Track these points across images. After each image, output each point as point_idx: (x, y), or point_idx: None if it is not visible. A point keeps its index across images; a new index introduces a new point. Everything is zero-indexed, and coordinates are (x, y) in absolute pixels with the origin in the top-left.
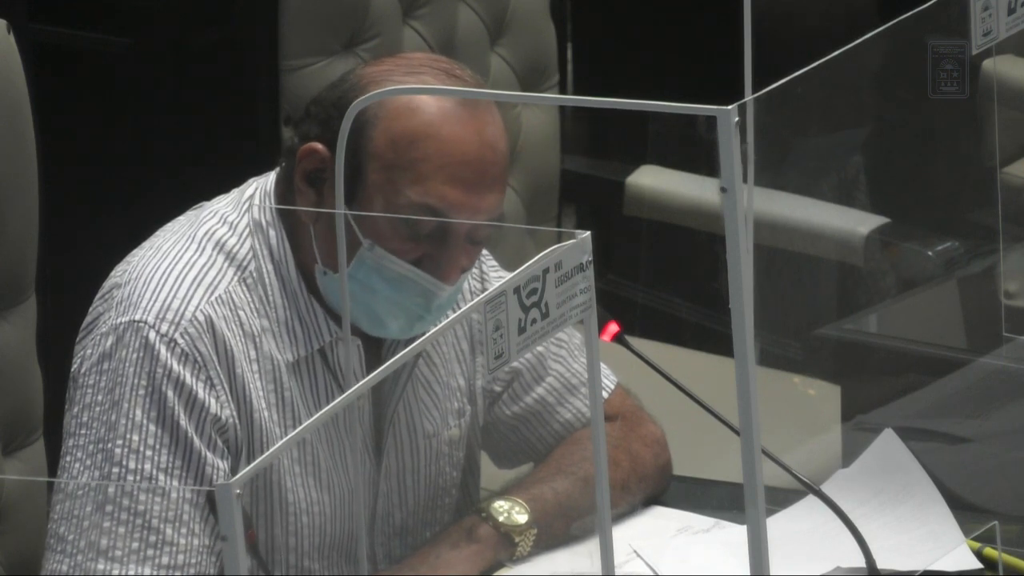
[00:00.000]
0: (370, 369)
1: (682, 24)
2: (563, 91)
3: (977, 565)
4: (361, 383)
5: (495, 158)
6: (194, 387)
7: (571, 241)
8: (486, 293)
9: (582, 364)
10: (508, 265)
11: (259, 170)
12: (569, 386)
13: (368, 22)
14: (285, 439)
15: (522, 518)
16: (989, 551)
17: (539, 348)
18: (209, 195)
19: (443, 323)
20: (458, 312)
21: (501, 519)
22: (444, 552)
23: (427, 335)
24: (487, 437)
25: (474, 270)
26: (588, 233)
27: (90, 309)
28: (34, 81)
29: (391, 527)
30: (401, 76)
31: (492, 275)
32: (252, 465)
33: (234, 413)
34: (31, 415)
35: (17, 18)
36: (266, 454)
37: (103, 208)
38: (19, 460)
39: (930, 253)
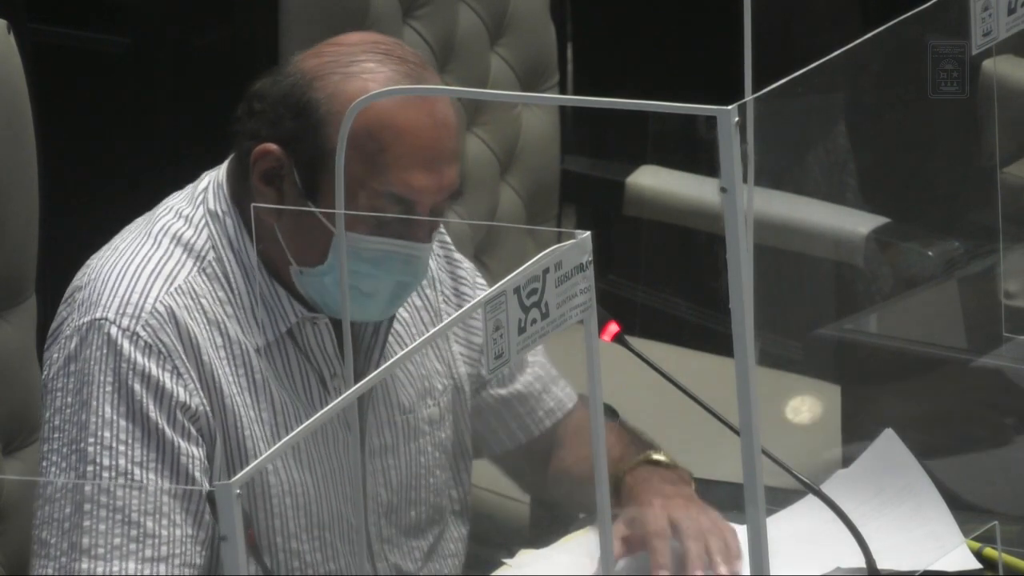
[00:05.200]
0: (342, 347)
1: (682, 24)
2: (563, 91)
3: (977, 565)
4: (355, 388)
5: (448, 133)
6: (160, 378)
7: (571, 241)
8: (486, 293)
9: (550, 363)
10: (508, 265)
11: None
12: (551, 376)
13: (368, 22)
14: (282, 441)
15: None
16: (989, 551)
17: None
18: None
19: (429, 333)
20: (446, 320)
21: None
22: (660, 488)
23: (412, 346)
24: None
25: (440, 259)
26: (588, 233)
27: (56, 316)
28: (34, 81)
29: (380, 506)
30: (344, 67)
31: (464, 264)
32: (252, 465)
33: (204, 401)
34: (31, 415)
35: (17, 18)
36: (265, 454)
37: (103, 208)
38: (19, 460)
39: (930, 253)
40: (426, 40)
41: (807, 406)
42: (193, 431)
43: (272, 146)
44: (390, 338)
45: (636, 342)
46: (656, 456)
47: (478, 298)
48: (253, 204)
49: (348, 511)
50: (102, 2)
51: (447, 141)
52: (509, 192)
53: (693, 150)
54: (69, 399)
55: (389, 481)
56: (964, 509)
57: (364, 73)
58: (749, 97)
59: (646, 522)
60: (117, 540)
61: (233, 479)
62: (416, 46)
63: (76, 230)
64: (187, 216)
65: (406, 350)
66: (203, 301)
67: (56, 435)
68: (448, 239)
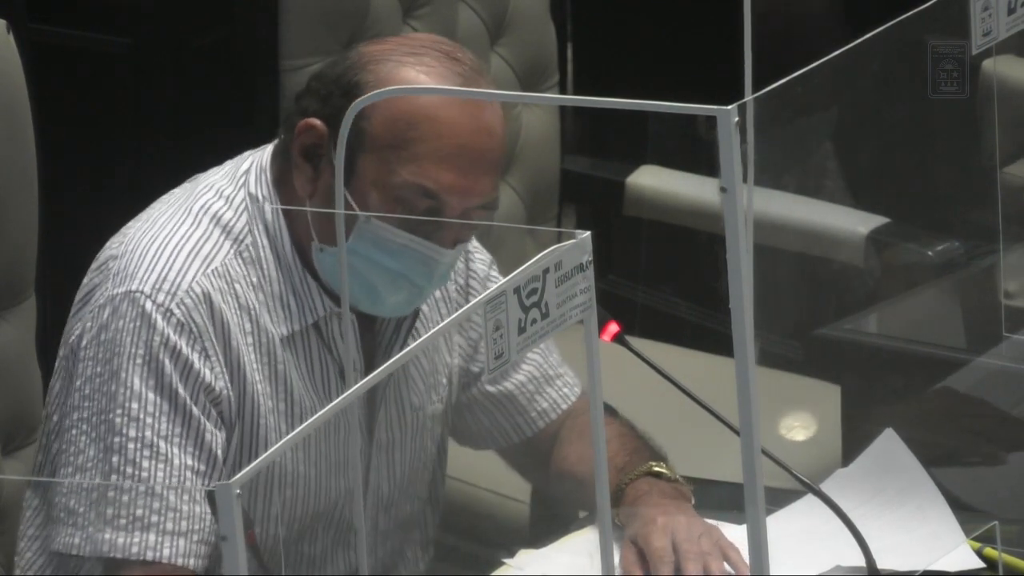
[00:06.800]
0: (365, 343)
1: (682, 24)
2: (563, 91)
3: (978, 565)
4: (367, 379)
5: (491, 143)
6: (190, 356)
7: (571, 241)
8: (486, 293)
9: (555, 360)
10: (508, 265)
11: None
12: (546, 376)
13: (368, 22)
14: (288, 437)
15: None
16: (989, 551)
17: None
18: None
19: (443, 324)
20: (460, 310)
21: (672, 474)
22: (660, 502)
23: (429, 334)
24: (456, 416)
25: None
26: (588, 233)
27: (84, 281)
28: (34, 81)
29: (380, 500)
30: (402, 56)
31: (476, 256)
32: (252, 465)
33: (228, 385)
34: (31, 415)
35: (17, 18)
36: (268, 452)
37: (103, 208)
38: (19, 460)
39: (930, 253)
40: None
41: (801, 422)
42: (215, 414)
43: (316, 121)
44: (411, 337)
45: (636, 342)
46: (657, 468)
47: (483, 295)
48: (252, 203)
49: (348, 504)
50: (102, 2)
51: (487, 148)
52: (509, 192)
53: (693, 150)
54: (99, 368)
55: (393, 475)
56: (964, 509)
57: (419, 65)
58: (749, 97)
59: (650, 545)
60: (139, 511)
61: (233, 479)
62: None
63: (76, 230)
64: (228, 196)
65: (411, 346)
66: (236, 286)
67: (86, 404)
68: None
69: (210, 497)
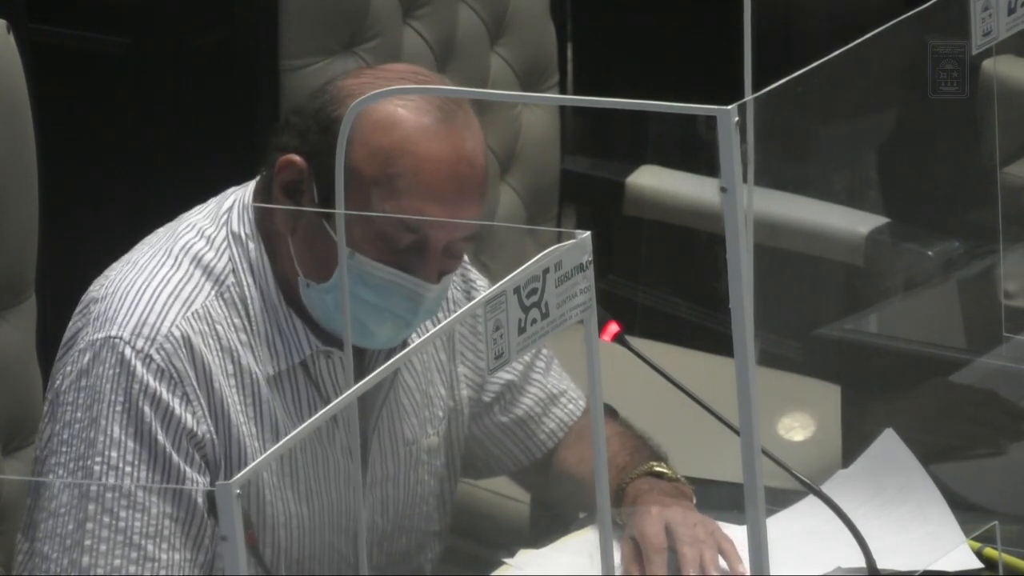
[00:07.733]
0: (356, 379)
1: (682, 24)
2: (563, 91)
3: (977, 565)
4: (348, 392)
5: (472, 173)
6: (170, 403)
7: (571, 241)
8: (486, 293)
9: (555, 376)
10: (508, 265)
11: (258, 170)
12: (551, 395)
13: (368, 22)
14: (280, 443)
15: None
16: (989, 551)
17: (526, 357)
18: (209, 195)
19: (433, 331)
20: (450, 318)
21: (672, 474)
22: (660, 499)
23: (417, 343)
24: (467, 448)
25: (456, 278)
26: (588, 233)
27: (68, 325)
28: (34, 81)
29: (375, 535)
30: (380, 88)
31: (479, 283)
32: (251, 465)
33: (211, 429)
34: (31, 415)
35: (17, 18)
36: (264, 455)
37: (103, 208)
38: (19, 460)
39: (930, 253)
40: (426, 40)
41: (800, 423)
42: (198, 458)
43: (296, 158)
44: (402, 369)
45: (636, 342)
46: (658, 468)
47: (468, 304)
48: (255, 204)
49: (341, 542)
50: (102, 2)
51: (468, 180)
52: (509, 192)
53: (693, 150)
54: (79, 414)
55: (387, 510)
56: (964, 509)
57: (397, 99)
58: (749, 97)
59: (644, 533)
60: (117, 561)
61: (233, 479)
62: (416, 46)
63: (76, 230)
64: (209, 237)
65: (394, 357)
66: (218, 327)
67: (63, 449)
68: (465, 257)
69: (210, 498)
